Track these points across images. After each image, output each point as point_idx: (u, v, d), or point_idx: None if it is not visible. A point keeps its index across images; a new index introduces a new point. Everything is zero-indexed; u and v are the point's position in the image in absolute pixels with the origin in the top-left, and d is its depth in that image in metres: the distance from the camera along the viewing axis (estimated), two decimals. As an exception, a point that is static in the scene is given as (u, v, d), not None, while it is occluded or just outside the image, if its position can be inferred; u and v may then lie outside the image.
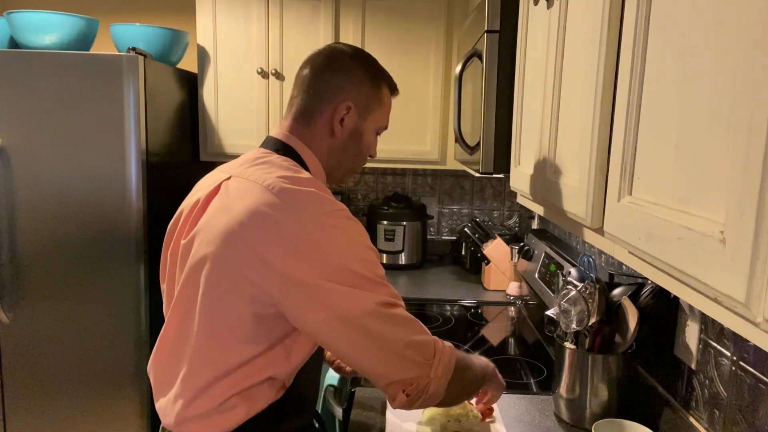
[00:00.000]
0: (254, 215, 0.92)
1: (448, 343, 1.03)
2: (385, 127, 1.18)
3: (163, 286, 1.13)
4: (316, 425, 1.23)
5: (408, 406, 0.97)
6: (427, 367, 0.96)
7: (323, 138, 1.10)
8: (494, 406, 1.29)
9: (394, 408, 0.98)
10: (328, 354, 1.32)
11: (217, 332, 0.96)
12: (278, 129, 1.12)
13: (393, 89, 1.17)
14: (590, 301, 1.22)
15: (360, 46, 2.36)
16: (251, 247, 0.91)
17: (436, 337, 1.01)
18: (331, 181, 1.15)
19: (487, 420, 1.27)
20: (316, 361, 1.14)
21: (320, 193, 0.96)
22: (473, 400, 1.27)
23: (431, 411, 1.24)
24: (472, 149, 1.64)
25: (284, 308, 0.92)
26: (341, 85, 1.08)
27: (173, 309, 1.03)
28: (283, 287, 0.90)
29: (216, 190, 1.01)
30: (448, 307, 2.16)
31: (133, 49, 1.98)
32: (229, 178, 1.02)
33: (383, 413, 1.31)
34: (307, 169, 1.07)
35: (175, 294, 1.03)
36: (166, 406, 1.03)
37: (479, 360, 1.17)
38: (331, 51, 1.12)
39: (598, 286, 1.24)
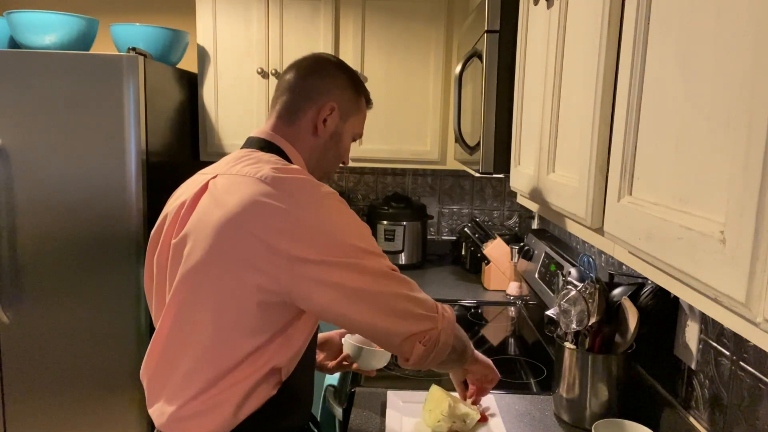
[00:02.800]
0: (251, 205, 0.93)
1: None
2: (360, 135, 1.23)
3: (150, 294, 1.11)
4: (315, 430, 1.23)
5: (425, 357, 1.02)
6: (434, 319, 1.02)
7: (306, 137, 1.13)
8: (487, 413, 1.30)
9: (410, 365, 1.03)
10: (319, 357, 1.32)
11: (223, 327, 0.97)
12: (260, 129, 1.14)
13: (369, 102, 1.24)
14: (590, 301, 1.22)
15: (360, 46, 2.38)
16: (254, 234, 0.92)
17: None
18: None
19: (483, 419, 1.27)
20: (311, 361, 1.14)
21: (311, 178, 1.00)
22: (475, 403, 1.28)
23: (432, 409, 1.24)
24: (472, 149, 1.64)
25: (293, 292, 0.94)
26: (327, 87, 1.13)
27: (166, 312, 1.01)
28: (291, 270, 0.92)
29: (203, 189, 1.01)
30: (448, 307, 2.15)
31: (133, 49, 1.98)
32: (215, 176, 1.02)
33: (383, 413, 1.31)
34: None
35: (168, 297, 1.01)
36: (162, 408, 1.02)
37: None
38: (316, 57, 1.18)
39: (598, 286, 1.24)
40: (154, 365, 1.05)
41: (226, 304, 0.96)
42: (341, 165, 1.22)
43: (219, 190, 0.99)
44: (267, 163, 1.01)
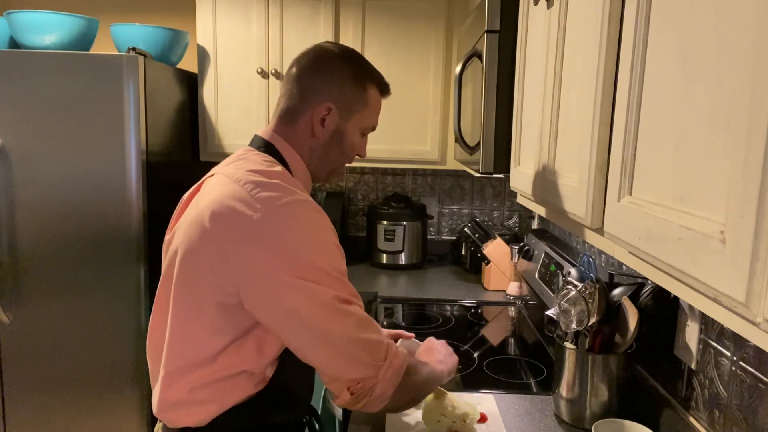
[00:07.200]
0: (218, 207, 0.93)
1: (402, 350, 1.03)
2: (373, 128, 1.16)
3: None
4: (316, 426, 1.23)
5: (351, 405, 0.98)
6: (375, 368, 0.96)
7: (305, 138, 1.10)
8: (487, 412, 1.30)
9: (338, 404, 0.99)
10: None
11: (186, 321, 0.98)
12: (265, 128, 1.13)
13: (383, 90, 1.15)
14: (590, 301, 1.22)
15: (360, 46, 2.38)
16: (212, 237, 0.93)
17: (390, 341, 1.01)
18: (316, 180, 1.15)
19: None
20: None
21: (285, 184, 0.96)
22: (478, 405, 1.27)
23: (432, 409, 1.24)
24: (472, 149, 1.64)
25: (242, 297, 0.93)
26: (322, 86, 1.08)
27: (155, 301, 1.06)
28: (240, 277, 0.92)
29: (198, 188, 1.04)
30: (448, 307, 2.16)
31: (133, 49, 1.98)
32: (212, 175, 1.04)
33: (383, 413, 1.31)
34: (287, 167, 1.07)
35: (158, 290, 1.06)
36: (155, 394, 1.06)
37: (439, 367, 1.18)
38: (316, 51, 1.12)
39: (598, 286, 1.24)
40: (149, 352, 1.10)
41: (189, 300, 0.97)
42: (358, 156, 1.17)
43: (203, 190, 1.01)
44: (253, 163, 1.01)
